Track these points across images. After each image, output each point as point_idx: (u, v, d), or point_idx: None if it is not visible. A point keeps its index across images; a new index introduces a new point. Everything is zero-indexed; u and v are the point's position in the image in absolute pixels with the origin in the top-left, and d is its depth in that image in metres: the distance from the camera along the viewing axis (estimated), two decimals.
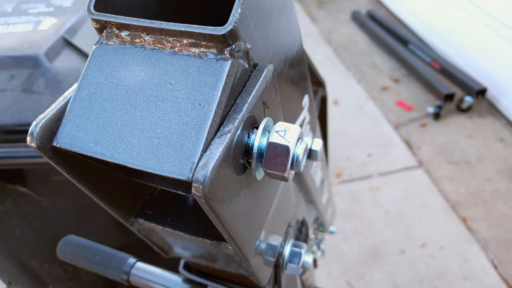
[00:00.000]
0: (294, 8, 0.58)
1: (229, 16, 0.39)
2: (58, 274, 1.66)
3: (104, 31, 0.43)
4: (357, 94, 3.97)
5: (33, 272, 1.63)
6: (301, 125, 0.78)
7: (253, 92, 0.42)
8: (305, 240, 1.15)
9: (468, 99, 3.44)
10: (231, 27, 0.38)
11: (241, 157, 0.42)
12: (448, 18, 3.95)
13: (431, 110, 3.54)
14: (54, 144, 0.41)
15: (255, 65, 0.45)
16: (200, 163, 0.36)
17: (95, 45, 0.44)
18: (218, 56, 0.40)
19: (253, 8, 0.41)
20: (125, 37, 0.42)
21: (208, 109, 0.39)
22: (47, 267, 1.64)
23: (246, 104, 0.41)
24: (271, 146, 0.41)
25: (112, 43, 0.43)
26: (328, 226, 1.94)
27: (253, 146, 0.42)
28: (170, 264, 0.85)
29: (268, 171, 0.42)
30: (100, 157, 0.40)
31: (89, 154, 0.40)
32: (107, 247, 0.86)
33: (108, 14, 0.41)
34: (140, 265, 0.83)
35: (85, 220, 1.54)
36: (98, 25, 0.43)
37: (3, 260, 1.49)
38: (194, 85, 0.40)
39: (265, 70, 0.44)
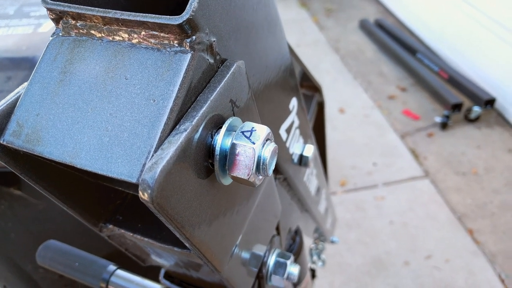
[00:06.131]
0: (274, 4, 0.55)
1: None
2: (54, 279, 1.63)
3: (61, 22, 0.40)
4: (363, 103, 3.92)
5: (28, 276, 1.61)
6: (288, 130, 0.74)
7: (217, 89, 0.39)
8: (299, 249, 1.11)
9: (477, 109, 3.37)
10: (187, 16, 0.35)
11: (204, 159, 0.39)
12: (457, 27, 3.89)
13: (438, 119, 3.47)
14: (1, 141, 0.38)
15: (223, 61, 0.42)
16: (148, 163, 0.32)
17: (51, 36, 0.41)
18: (177, 49, 0.37)
19: None
20: (81, 28, 0.39)
21: (163, 105, 0.35)
22: (43, 271, 1.61)
23: (208, 102, 0.38)
24: (234, 147, 0.38)
25: (69, 35, 0.40)
26: (328, 236, 1.89)
27: (215, 147, 0.38)
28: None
29: (232, 174, 0.39)
30: (47, 156, 0.37)
31: (36, 153, 0.37)
32: (88, 254, 0.83)
33: (61, 3, 0.38)
34: (120, 272, 0.80)
35: (81, 223, 1.52)
36: (53, 15, 0.40)
37: None
38: (150, 80, 0.37)
39: (234, 66, 0.41)
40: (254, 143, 0.37)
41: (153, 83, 0.36)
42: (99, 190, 0.54)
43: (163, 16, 0.35)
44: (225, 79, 0.40)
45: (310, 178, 1.08)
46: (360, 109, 3.86)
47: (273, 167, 0.40)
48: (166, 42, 0.37)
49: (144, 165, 0.34)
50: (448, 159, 3.28)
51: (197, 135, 0.36)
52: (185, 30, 0.36)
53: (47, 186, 0.45)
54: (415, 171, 3.24)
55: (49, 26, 1.41)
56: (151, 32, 0.37)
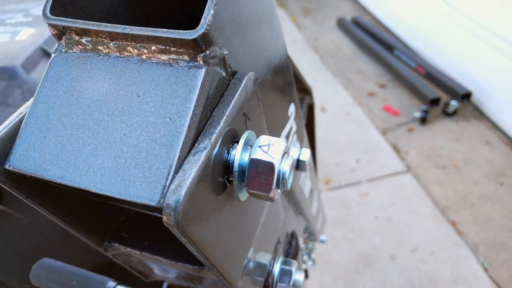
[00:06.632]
0: (275, 11, 0.54)
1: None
2: None
3: (63, 38, 0.38)
4: (343, 101, 3.96)
5: None
6: (287, 136, 0.73)
7: (232, 103, 0.38)
8: (296, 253, 1.11)
9: (454, 103, 3.45)
10: (203, 30, 0.33)
11: (220, 175, 0.38)
12: (432, 24, 3.98)
13: (417, 114, 3.54)
14: (6, 167, 0.36)
15: (233, 73, 0.41)
16: (172, 186, 0.31)
17: (53, 53, 0.39)
18: (191, 64, 0.36)
19: (228, 9, 0.37)
20: (86, 44, 0.38)
21: (181, 124, 0.34)
22: (28, 287, 1.56)
23: (224, 117, 0.36)
24: (254, 163, 0.37)
25: (73, 51, 0.38)
26: (318, 235, 1.90)
27: (233, 163, 0.37)
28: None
29: (252, 191, 0.37)
30: (59, 181, 0.35)
31: (47, 178, 0.35)
32: (84, 270, 0.80)
33: (66, 19, 0.36)
34: None
35: (68, 237, 1.48)
36: (56, 31, 0.38)
37: None
38: (164, 97, 0.35)
39: (245, 79, 0.40)
40: (273, 158, 0.36)
41: (167, 100, 0.35)
42: (103, 208, 0.52)
43: (176, 30, 0.34)
44: (238, 93, 0.39)
45: (305, 181, 1.08)
46: (341, 107, 3.90)
47: (291, 180, 0.39)
48: (178, 57, 0.36)
49: (164, 187, 0.33)
50: (428, 153, 3.35)
51: (215, 152, 0.35)
52: (200, 45, 0.34)
53: (52, 209, 0.43)
54: (397, 166, 3.29)
55: (27, 33, 1.36)
56: (162, 47, 0.36)
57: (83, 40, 0.37)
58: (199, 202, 0.34)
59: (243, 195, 0.40)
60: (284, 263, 0.74)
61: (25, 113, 0.38)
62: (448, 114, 3.54)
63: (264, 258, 0.66)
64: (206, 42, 0.34)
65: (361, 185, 3.19)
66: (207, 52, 0.35)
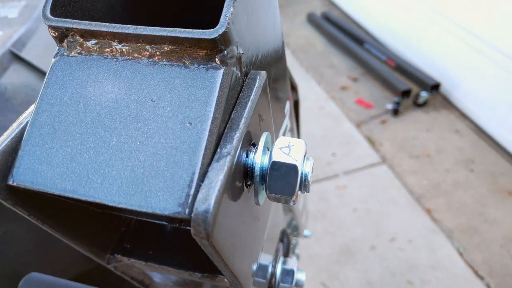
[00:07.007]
0: (277, 2, 0.53)
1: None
2: None
3: (65, 41, 0.35)
4: (317, 95, 4.00)
5: None
6: (283, 134, 0.72)
7: (249, 104, 0.36)
8: (287, 251, 1.10)
9: (424, 94, 3.55)
10: (223, 29, 0.32)
11: (239, 179, 0.36)
12: (400, 18, 4.07)
13: (389, 106, 3.62)
14: (10, 182, 0.33)
15: (246, 73, 0.39)
16: (199, 195, 0.29)
17: (54, 57, 0.36)
18: (208, 65, 0.34)
19: (244, 5, 0.35)
20: (91, 46, 0.35)
21: (201, 128, 0.32)
22: None
23: (243, 119, 0.35)
24: (276, 166, 0.35)
25: (76, 54, 0.36)
26: (302, 231, 1.91)
27: (253, 167, 0.36)
28: None
29: (274, 195, 0.36)
30: (71, 195, 0.32)
31: (57, 193, 0.32)
32: (76, 283, 0.76)
33: (69, 20, 0.34)
34: None
35: (46, 247, 1.41)
36: (57, 34, 0.35)
37: None
38: (181, 101, 0.33)
39: (259, 78, 0.39)
40: (296, 160, 0.35)
41: (185, 104, 0.33)
42: (103, 219, 0.49)
43: (194, 30, 0.32)
44: (253, 93, 0.37)
45: None
46: (315, 102, 3.93)
47: (311, 182, 0.38)
48: (195, 57, 0.34)
49: (189, 196, 0.31)
50: (402, 144, 3.43)
51: (237, 157, 0.34)
52: (218, 45, 0.33)
53: (55, 224, 0.40)
54: (372, 158, 3.35)
55: None
56: (177, 48, 0.33)
57: (88, 43, 0.35)
58: (223, 211, 0.32)
59: (262, 199, 0.39)
60: (285, 262, 0.73)
61: (26, 123, 0.35)
62: (419, 105, 3.64)
63: (268, 260, 0.65)
64: (225, 42, 0.33)
65: (338, 178, 3.23)
66: (225, 52, 0.33)
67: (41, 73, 1.15)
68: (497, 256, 2.67)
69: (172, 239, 0.53)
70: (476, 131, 3.44)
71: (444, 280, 2.58)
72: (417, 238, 2.79)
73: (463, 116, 3.56)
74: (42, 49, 1.17)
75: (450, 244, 2.75)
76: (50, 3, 0.34)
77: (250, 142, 0.37)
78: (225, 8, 0.31)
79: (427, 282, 2.57)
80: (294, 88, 1.09)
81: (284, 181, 0.35)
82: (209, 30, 0.32)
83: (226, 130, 0.34)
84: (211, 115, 0.32)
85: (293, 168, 0.35)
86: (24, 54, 1.15)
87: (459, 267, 2.64)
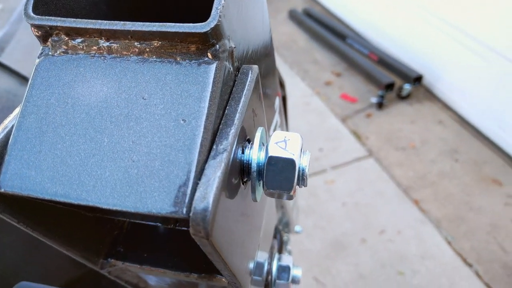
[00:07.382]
0: None
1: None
2: None
3: (50, 40, 0.34)
4: (302, 92, 4.01)
5: None
6: (274, 129, 0.72)
7: (242, 99, 0.35)
8: (281, 248, 1.10)
9: (407, 87, 3.59)
10: (215, 22, 0.31)
11: (236, 176, 0.36)
12: (382, 11, 4.11)
13: (374, 100, 3.65)
14: None
15: (238, 67, 0.39)
16: (197, 194, 0.28)
17: (38, 58, 0.35)
18: (200, 60, 0.33)
19: None
20: (78, 45, 0.34)
21: (196, 125, 0.31)
22: None
23: (238, 114, 0.34)
24: (273, 161, 0.35)
25: (61, 53, 0.34)
26: (293, 227, 1.91)
27: (249, 163, 0.35)
28: None
29: (271, 190, 0.35)
30: (62, 200, 0.31)
31: (48, 197, 0.31)
32: None
33: (53, 18, 0.32)
34: None
35: (35, 254, 1.38)
36: (40, 33, 0.34)
37: None
38: (174, 97, 0.32)
39: (251, 72, 0.38)
40: (293, 154, 0.34)
41: (178, 100, 0.32)
42: (96, 223, 0.48)
43: (184, 24, 0.31)
44: (246, 88, 0.37)
45: None
46: (300, 98, 3.94)
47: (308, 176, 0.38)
48: (185, 53, 0.33)
49: (186, 195, 0.30)
50: (387, 136, 3.47)
51: (233, 153, 0.33)
52: (210, 39, 0.32)
53: (45, 231, 0.38)
54: (359, 151, 3.38)
55: None
56: (167, 43, 0.33)
57: (74, 41, 0.33)
58: (221, 209, 0.31)
59: (259, 195, 0.38)
60: (281, 259, 0.73)
61: (12, 127, 0.33)
62: (402, 97, 3.68)
63: (263, 257, 0.64)
64: (217, 35, 0.32)
65: (326, 173, 3.25)
66: (217, 46, 0.32)
67: (21, 77, 1.12)
68: (484, 243, 2.72)
69: (166, 240, 0.52)
70: (459, 121, 3.50)
71: (433, 269, 2.61)
72: (406, 229, 2.82)
73: (446, 107, 3.62)
74: (22, 53, 1.14)
75: (438, 233, 2.79)
76: (32, 1, 0.32)
77: (245, 138, 0.37)
78: (216, 1, 0.31)
79: (417, 272, 2.60)
80: (281, 84, 1.09)
81: (281, 176, 0.35)
82: (200, 23, 0.31)
83: (221, 126, 0.33)
84: (206, 111, 0.32)
85: (290, 163, 0.34)
86: (3, 59, 1.12)
87: (448, 256, 2.68)
